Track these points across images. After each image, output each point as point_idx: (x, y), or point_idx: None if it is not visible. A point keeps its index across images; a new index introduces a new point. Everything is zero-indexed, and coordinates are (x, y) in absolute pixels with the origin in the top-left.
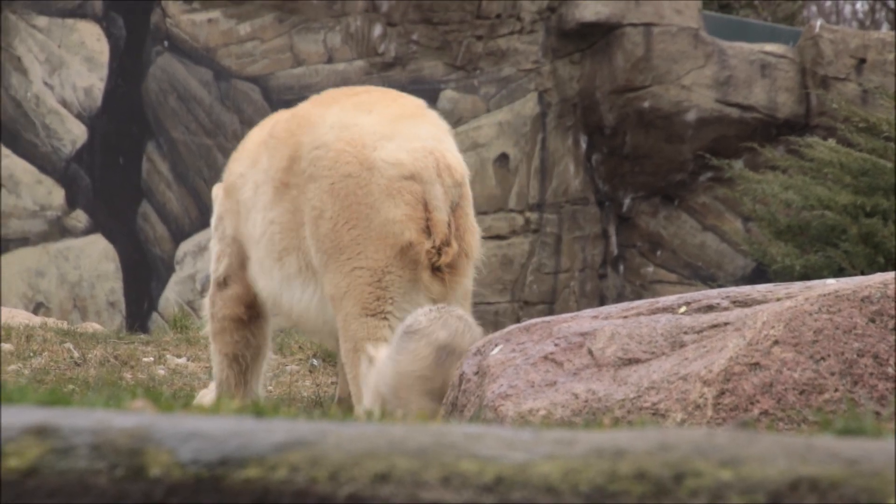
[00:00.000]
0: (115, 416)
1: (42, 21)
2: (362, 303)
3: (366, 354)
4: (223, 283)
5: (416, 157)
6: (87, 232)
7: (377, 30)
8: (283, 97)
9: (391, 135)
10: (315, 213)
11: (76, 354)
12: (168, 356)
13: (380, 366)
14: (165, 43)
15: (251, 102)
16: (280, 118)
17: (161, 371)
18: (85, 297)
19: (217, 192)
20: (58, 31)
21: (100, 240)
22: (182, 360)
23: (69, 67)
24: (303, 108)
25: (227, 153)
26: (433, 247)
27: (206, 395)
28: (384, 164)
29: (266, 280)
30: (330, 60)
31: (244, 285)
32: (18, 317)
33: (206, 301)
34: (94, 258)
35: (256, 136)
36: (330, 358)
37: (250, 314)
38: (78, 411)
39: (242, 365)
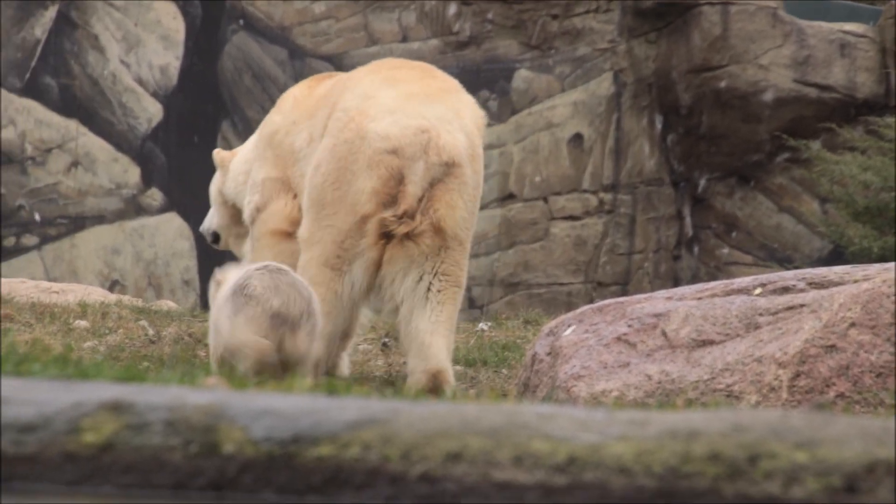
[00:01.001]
0: (189, 393)
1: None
2: (326, 255)
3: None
4: (263, 207)
5: (405, 132)
6: (163, 210)
7: (452, 8)
8: None
9: (395, 110)
10: (315, 163)
11: (151, 332)
12: None
13: (219, 323)
14: (241, 21)
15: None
16: (337, 78)
17: None
18: (160, 275)
19: (226, 158)
20: (134, 10)
21: (175, 218)
22: None
23: (145, 46)
24: (355, 72)
25: None
26: (394, 216)
27: None
28: (374, 136)
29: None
30: (404, 39)
31: (286, 201)
32: (94, 294)
33: (247, 241)
34: (169, 236)
35: (308, 92)
36: None
37: (293, 230)
38: (153, 388)
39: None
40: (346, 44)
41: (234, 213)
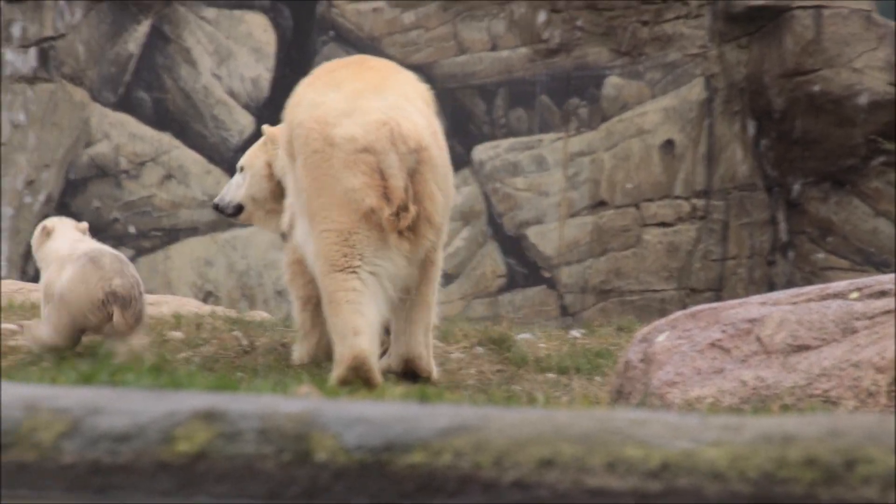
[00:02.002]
0: (281, 402)
1: (210, 13)
2: (331, 261)
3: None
4: (289, 233)
5: (369, 129)
6: None
7: (541, 16)
8: (446, 85)
9: (350, 111)
10: (299, 187)
11: (244, 342)
12: None
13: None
14: (331, 32)
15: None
16: (290, 99)
17: None
18: (253, 286)
19: (276, 134)
20: (226, 23)
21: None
22: None
23: (237, 58)
24: (300, 84)
25: None
26: (392, 213)
27: (295, 350)
28: (342, 140)
29: (298, 232)
30: (494, 48)
31: None
32: (188, 305)
33: (283, 255)
34: (262, 247)
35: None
36: (494, 345)
37: None
38: (245, 397)
39: (316, 307)
40: (435, 53)
41: (276, 190)
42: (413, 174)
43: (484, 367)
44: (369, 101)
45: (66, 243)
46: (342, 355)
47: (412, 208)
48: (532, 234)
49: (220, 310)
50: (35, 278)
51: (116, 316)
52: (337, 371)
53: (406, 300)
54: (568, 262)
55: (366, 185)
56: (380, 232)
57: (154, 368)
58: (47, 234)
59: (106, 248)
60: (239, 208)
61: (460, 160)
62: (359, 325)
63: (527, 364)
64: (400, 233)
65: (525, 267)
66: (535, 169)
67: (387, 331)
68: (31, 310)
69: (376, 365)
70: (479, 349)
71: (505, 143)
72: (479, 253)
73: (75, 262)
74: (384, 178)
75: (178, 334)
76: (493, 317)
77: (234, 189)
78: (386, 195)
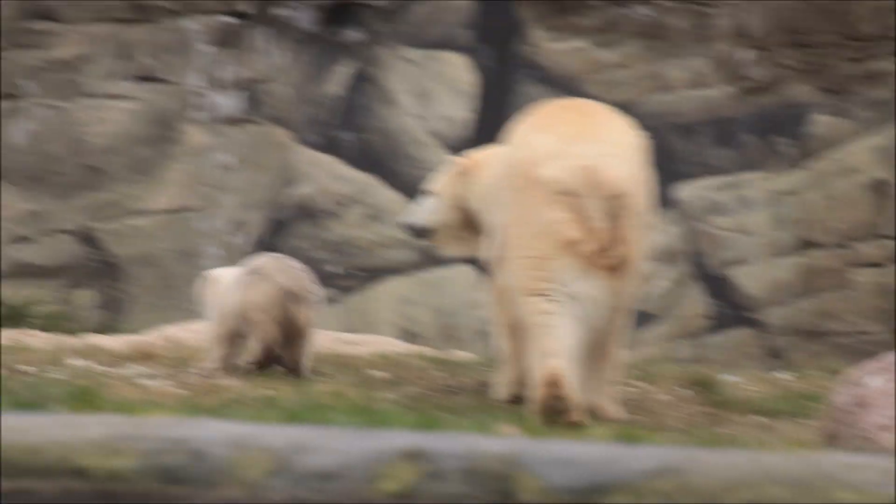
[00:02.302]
0: (485, 441)
1: (413, 54)
2: (527, 286)
3: None
4: (495, 264)
5: (572, 174)
6: (457, 261)
7: (746, 54)
8: (648, 124)
9: (556, 154)
10: (501, 219)
11: (447, 382)
12: None
13: (227, 303)
14: (532, 72)
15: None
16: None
17: None
18: (455, 326)
19: (470, 165)
20: (428, 63)
21: (469, 269)
22: None
23: (438, 99)
24: (514, 124)
25: None
26: (595, 249)
27: (496, 379)
28: (545, 180)
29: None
30: (697, 86)
31: None
32: (391, 345)
33: (468, 245)
34: (464, 287)
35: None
36: (698, 387)
37: None
38: (449, 436)
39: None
40: (637, 91)
41: (467, 220)
42: (613, 219)
43: (688, 409)
44: (576, 147)
45: (227, 274)
46: (537, 377)
47: (617, 249)
48: (737, 274)
49: (423, 350)
50: None
51: (295, 311)
52: (534, 393)
53: (594, 345)
54: (774, 303)
55: (569, 220)
56: (579, 261)
57: (359, 407)
58: (210, 281)
59: (265, 256)
60: (428, 231)
61: (663, 199)
62: (553, 347)
63: (732, 406)
64: (602, 270)
65: (730, 308)
66: (739, 208)
67: None
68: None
69: (573, 384)
70: (683, 391)
71: (708, 181)
72: (683, 293)
73: (242, 279)
74: (586, 219)
75: (381, 374)
76: (698, 358)
77: (424, 212)
78: (588, 232)
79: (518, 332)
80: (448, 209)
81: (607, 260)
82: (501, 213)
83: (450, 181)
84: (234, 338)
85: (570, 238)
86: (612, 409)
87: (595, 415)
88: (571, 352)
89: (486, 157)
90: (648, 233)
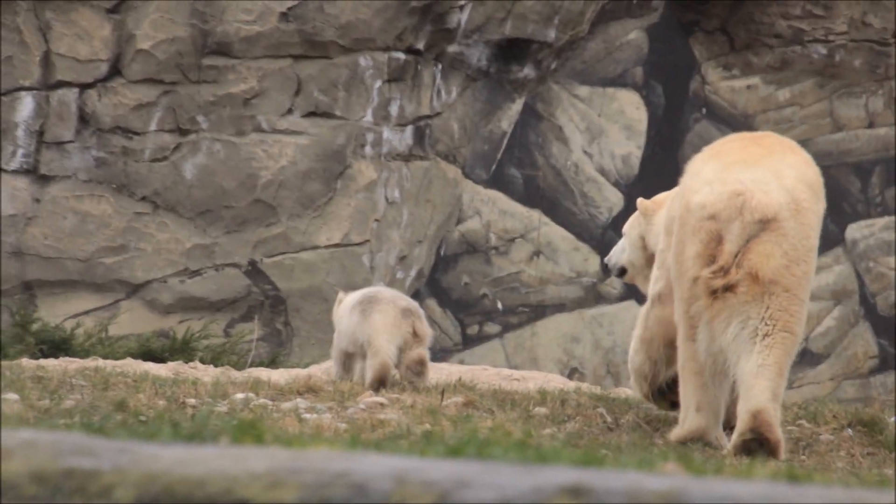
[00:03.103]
0: (647, 478)
1: (583, 90)
2: (683, 329)
3: None
4: (657, 300)
5: (720, 199)
6: (622, 298)
7: None
8: (821, 163)
9: (714, 180)
10: (666, 245)
11: (609, 419)
12: None
13: (346, 325)
14: (703, 110)
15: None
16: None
17: None
18: (618, 363)
19: (649, 207)
20: (598, 101)
21: (633, 306)
22: None
23: (608, 136)
24: (698, 155)
25: None
26: (712, 272)
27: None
28: (695, 206)
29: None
30: (871, 125)
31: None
32: (554, 381)
33: (643, 310)
34: (628, 324)
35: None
36: (865, 428)
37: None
38: (611, 473)
39: (657, 374)
40: (810, 130)
41: (650, 258)
42: (752, 239)
43: (854, 449)
44: (735, 173)
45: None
46: (683, 427)
47: (734, 271)
48: None
49: (585, 386)
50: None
51: (418, 325)
52: (676, 434)
53: (746, 365)
54: None
55: (696, 255)
56: (703, 301)
57: (520, 443)
58: (339, 301)
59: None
60: (623, 270)
61: (834, 239)
62: (700, 401)
63: None
64: (714, 293)
65: None
66: None
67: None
68: (400, 384)
69: (715, 437)
70: (850, 431)
71: (880, 221)
72: (851, 333)
73: (364, 304)
74: (721, 242)
75: (543, 410)
76: (865, 398)
77: (619, 253)
78: (714, 258)
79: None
80: (634, 248)
81: (722, 280)
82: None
83: (635, 221)
84: (348, 357)
85: (693, 276)
86: (776, 428)
87: (760, 423)
88: (717, 404)
89: (665, 197)
90: (804, 258)
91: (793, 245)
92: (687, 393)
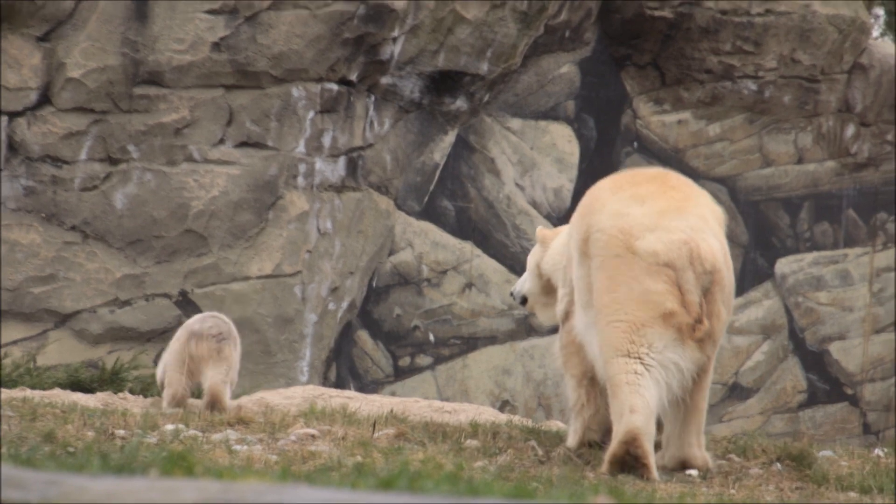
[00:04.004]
0: None
1: (516, 123)
2: (618, 347)
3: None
4: (565, 317)
5: (670, 247)
6: (553, 331)
7: (849, 130)
8: (750, 198)
9: (654, 227)
10: (587, 282)
11: (540, 452)
12: None
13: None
14: (635, 144)
15: (719, 203)
16: (587, 194)
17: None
18: (549, 396)
19: (548, 236)
20: (530, 133)
21: None
22: None
23: (540, 168)
24: (600, 189)
25: None
26: (690, 322)
27: (570, 428)
28: (644, 252)
29: (578, 321)
30: (800, 161)
31: None
32: (485, 414)
33: (557, 339)
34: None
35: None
36: (794, 462)
37: None
38: None
39: (590, 384)
40: (739, 165)
41: (546, 286)
42: (706, 293)
43: (783, 483)
44: (672, 221)
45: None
46: (617, 432)
47: (706, 322)
48: (835, 349)
49: (516, 419)
50: (336, 384)
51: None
52: (611, 447)
53: (680, 406)
54: (872, 380)
55: (667, 291)
56: (674, 332)
57: (452, 476)
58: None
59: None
60: (525, 299)
61: (763, 273)
62: (636, 404)
63: (828, 482)
64: (691, 341)
65: (827, 383)
66: (839, 284)
67: (658, 427)
68: (331, 416)
69: (649, 445)
70: (779, 465)
71: (809, 256)
72: (780, 367)
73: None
74: (682, 292)
75: (474, 442)
76: (793, 433)
77: (522, 283)
78: (683, 305)
79: (593, 382)
80: (532, 277)
81: (698, 332)
82: (583, 275)
83: (534, 251)
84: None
85: (669, 309)
86: (701, 459)
87: (686, 465)
88: (652, 410)
89: (561, 228)
90: (731, 306)
91: (727, 296)
92: (619, 402)
